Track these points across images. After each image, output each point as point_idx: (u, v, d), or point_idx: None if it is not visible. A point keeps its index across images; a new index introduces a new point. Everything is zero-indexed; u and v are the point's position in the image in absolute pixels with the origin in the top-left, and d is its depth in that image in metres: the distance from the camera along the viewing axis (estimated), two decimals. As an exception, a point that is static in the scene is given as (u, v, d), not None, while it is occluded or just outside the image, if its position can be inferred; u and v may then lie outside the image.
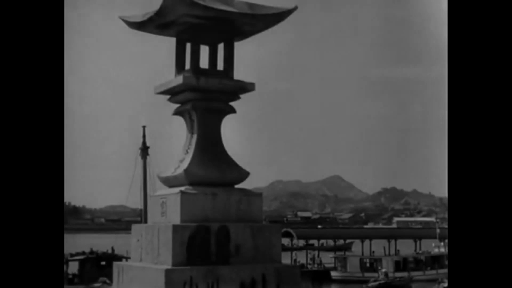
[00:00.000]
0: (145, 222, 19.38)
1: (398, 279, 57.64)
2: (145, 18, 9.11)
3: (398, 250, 74.19)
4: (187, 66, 9.25)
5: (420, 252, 71.47)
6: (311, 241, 79.80)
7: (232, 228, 8.62)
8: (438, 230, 71.32)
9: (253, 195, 9.14)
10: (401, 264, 63.43)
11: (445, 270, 58.14)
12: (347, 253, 75.00)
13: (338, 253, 71.20)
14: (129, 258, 10.03)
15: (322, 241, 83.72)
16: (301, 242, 75.47)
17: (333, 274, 64.63)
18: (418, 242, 78.14)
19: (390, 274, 58.16)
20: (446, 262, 61.90)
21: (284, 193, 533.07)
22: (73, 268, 49.66)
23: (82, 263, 49.25)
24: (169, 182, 9.23)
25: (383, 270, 58.85)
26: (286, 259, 64.86)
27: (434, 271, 62.73)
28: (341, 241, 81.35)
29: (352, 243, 79.86)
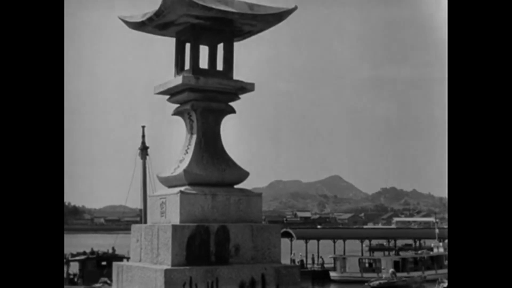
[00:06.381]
0: (145, 222, 19.38)
1: (403, 279, 57.49)
2: (145, 18, 9.11)
3: (397, 250, 74.18)
4: (187, 66, 9.24)
5: (420, 252, 71.49)
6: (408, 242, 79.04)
7: (231, 228, 8.63)
8: (437, 231, 71.40)
9: (252, 195, 9.14)
10: (400, 265, 63.37)
11: (444, 271, 58.17)
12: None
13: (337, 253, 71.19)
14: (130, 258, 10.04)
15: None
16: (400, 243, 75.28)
17: (332, 274, 64.60)
18: (418, 242, 78.17)
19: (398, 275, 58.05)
20: (446, 263, 61.92)
21: (284, 193, 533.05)
22: (74, 268, 49.67)
23: (83, 263, 49.27)
24: (169, 182, 9.23)
25: (391, 270, 58.76)
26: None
27: (433, 271, 62.73)
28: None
29: None
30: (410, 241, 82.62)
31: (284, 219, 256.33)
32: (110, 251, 53.36)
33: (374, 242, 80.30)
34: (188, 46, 9.27)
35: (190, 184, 8.83)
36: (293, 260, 63.01)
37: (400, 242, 79.35)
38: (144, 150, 46.81)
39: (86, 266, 48.81)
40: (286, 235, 67.91)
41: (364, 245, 74.86)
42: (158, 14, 8.81)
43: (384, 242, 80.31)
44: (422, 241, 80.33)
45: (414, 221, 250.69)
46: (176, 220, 8.56)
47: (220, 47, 9.39)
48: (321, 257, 68.99)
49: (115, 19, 9.54)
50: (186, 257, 8.28)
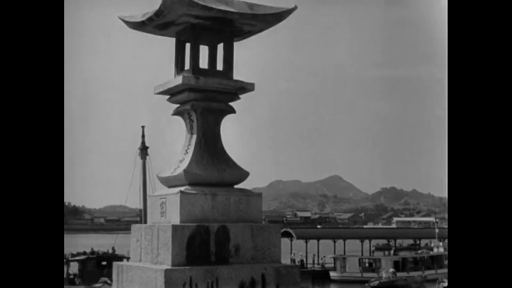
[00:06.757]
0: (145, 222, 19.38)
1: (404, 279, 57.46)
2: (145, 18, 9.11)
3: (397, 250, 74.20)
4: (187, 66, 9.24)
5: (420, 252, 71.50)
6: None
7: (231, 228, 8.63)
8: (437, 230, 71.42)
9: (252, 195, 9.14)
10: (400, 265, 63.37)
11: (444, 270, 58.17)
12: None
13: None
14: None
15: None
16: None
17: (332, 274, 64.60)
18: (418, 242, 78.10)
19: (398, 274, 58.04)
20: (446, 262, 61.93)
21: (284, 193, 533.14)
22: (74, 268, 49.67)
23: (83, 263, 49.27)
24: (169, 182, 9.23)
25: (391, 270, 58.76)
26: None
27: (433, 271, 62.73)
28: None
29: None
30: (415, 241, 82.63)
31: (284, 219, 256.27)
32: (110, 251, 53.34)
33: (380, 242, 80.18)
34: (188, 46, 9.26)
35: (190, 184, 8.83)
36: (293, 260, 63.00)
37: (406, 242, 79.31)
38: (144, 150, 46.83)
39: (86, 266, 48.82)
40: (286, 235, 67.90)
41: (370, 245, 74.78)
42: (158, 14, 8.81)
43: (389, 241, 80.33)
44: (428, 241, 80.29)
45: (414, 221, 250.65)
46: (176, 220, 8.56)
47: (220, 47, 9.38)
48: (323, 257, 68.96)
49: (115, 19, 9.54)
50: (186, 257, 8.28)
